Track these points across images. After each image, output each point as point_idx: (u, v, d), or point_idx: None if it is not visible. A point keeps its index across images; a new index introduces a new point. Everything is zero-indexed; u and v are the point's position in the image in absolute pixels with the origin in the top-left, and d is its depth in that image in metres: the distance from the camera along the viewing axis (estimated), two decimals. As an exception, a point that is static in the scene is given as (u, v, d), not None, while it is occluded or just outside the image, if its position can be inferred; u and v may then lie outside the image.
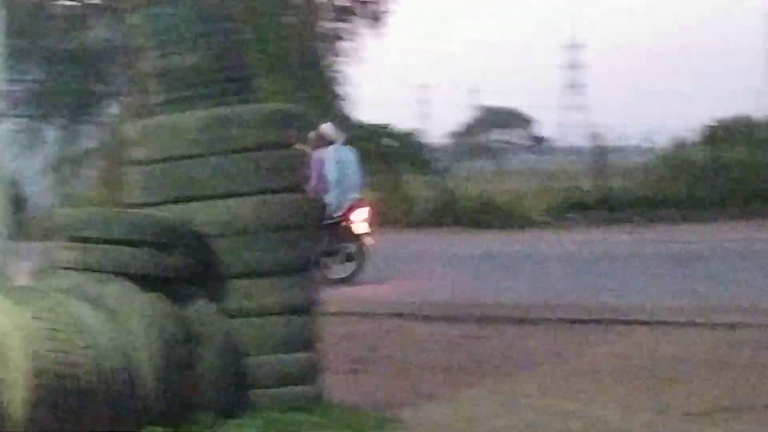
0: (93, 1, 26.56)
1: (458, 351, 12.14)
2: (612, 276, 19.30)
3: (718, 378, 10.09)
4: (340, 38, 30.08)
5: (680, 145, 35.48)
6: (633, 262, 21.62)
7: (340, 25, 29.14)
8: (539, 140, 64.66)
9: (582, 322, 13.85)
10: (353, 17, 29.09)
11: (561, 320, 14.05)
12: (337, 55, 29.28)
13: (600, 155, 34.22)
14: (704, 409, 8.85)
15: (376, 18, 29.76)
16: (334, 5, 28.98)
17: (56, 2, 26.27)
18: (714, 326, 13.00)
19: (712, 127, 35.95)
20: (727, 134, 34.52)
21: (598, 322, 13.74)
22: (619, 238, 26.34)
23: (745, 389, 9.56)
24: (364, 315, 13.97)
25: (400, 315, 14.61)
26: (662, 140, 37.46)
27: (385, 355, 11.69)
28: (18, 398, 6.92)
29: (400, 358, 11.62)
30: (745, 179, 31.17)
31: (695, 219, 29.34)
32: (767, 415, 8.56)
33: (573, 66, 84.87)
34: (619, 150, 36.36)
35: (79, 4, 27.05)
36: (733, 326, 12.90)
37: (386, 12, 30.16)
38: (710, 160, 32.62)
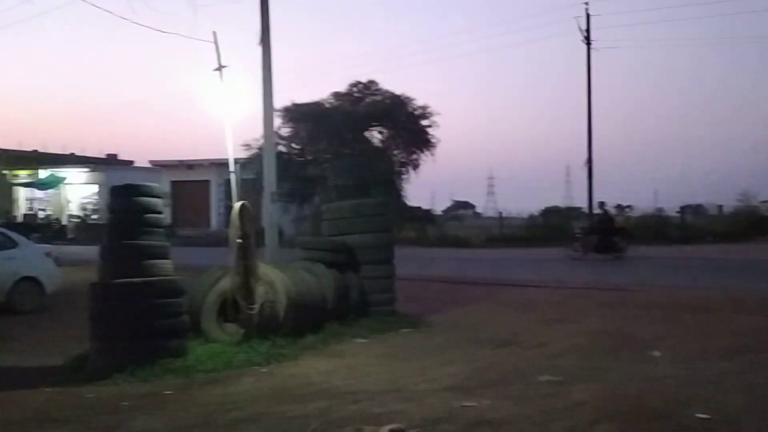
0: (309, 158, 28.10)
1: (445, 295, 12.46)
2: (508, 267, 18.48)
3: (556, 308, 10.63)
4: (407, 164, 30.04)
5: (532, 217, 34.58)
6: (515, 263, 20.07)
7: (409, 156, 29.86)
8: (477, 213, 67.56)
9: (500, 284, 13.97)
10: (418, 151, 29.63)
11: (490, 283, 14.17)
12: (402, 173, 29.86)
13: (502, 220, 33.44)
14: (549, 319, 9.58)
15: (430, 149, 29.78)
16: (406, 149, 29.73)
17: (296, 161, 27.92)
18: (549, 287, 13.23)
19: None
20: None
21: (506, 285, 13.92)
22: (507, 251, 24.77)
23: (566, 313, 10.07)
24: (410, 279, 12.85)
25: (425, 279, 14.47)
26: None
27: (419, 295, 11.78)
28: (281, 306, 7.81)
29: (426, 297, 11.93)
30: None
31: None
32: (579, 321, 9.19)
33: (490, 185, 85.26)
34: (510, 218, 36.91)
35: (301, 159, 28.47)
36: (559, 288, 13.23)
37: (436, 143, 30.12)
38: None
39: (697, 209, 38.07)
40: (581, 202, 32.98)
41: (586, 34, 31.49)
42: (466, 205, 72.78)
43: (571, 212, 36.07)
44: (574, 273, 16.63)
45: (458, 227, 37.93)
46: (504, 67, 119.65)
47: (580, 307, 10.84)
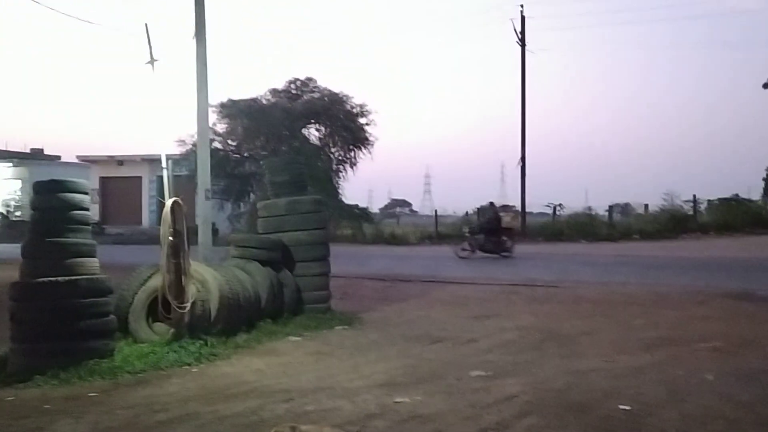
0: (245, 155, 27.94)
1: (381, 292, 12.49)
2: (442, 264, 18.58)
3: (487, 304, 10.81)
4: (345, 162, 30.03)
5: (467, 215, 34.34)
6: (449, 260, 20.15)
7: (347, 154, 29.99)
8: (413, 211, 68.76)
9: (434, 281, 14.13)
10: (355, 149, 29.96)
11: (424, 280, 14.25)
12: (339, 171, 30.08)
13: (437, 218, 34.05)
14: (480, 315, 9.69)
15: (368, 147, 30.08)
16: (344, 147, 29.87)
17: (231, 158, 27.92)
18: (481, 284, 13.41)
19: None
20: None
21: (439, 282, 14.07)
22: (441, 249, 24.66)
23: (497, 309, 10.31)
24: (345, 277, 13.36)
25: (360, 277, 14.56)
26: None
27: (354, 293, 12.05)
28: (213, 305, 7.70)
29: (361, 294, 12.05)
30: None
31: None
32: (509, 316, 9.38)
33: (426, 184, 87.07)
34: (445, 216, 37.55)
35: (237, 156, 28.33)
36: (490, 284, 13.34)
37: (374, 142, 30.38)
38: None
39: (624, 208, 39.34)
40: (516, 200, 33.68)
41: (521, 36, 32.15)
42: (403, 203, 73.46)
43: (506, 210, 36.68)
44: (506, 270, 16.91)
45: (394, 225, 38.16)
46: (443, 66, 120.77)
47: (511, 303, 11.07)
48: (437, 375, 6.13)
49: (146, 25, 8.15)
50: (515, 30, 32.24)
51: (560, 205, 33.92)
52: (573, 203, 37.17)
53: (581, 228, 29.85)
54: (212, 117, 27.76)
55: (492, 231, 21.30)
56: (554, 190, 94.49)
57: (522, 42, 32.00)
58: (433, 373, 6.19)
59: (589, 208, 34.65)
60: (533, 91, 71.48)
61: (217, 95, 29.66)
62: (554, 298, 11.44)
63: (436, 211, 37.17)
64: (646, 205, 35.03)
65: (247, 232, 20.61)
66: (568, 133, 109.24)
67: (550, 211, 34.02)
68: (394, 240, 29.96)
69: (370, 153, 30.41)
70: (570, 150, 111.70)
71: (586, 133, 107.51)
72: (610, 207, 33.85)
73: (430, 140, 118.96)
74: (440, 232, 31.85)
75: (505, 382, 5.76)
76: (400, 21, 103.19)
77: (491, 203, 24.86)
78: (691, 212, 31.49)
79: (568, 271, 16.21)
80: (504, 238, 21.23)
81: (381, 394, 5.43)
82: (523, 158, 31.53)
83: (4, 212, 38.11)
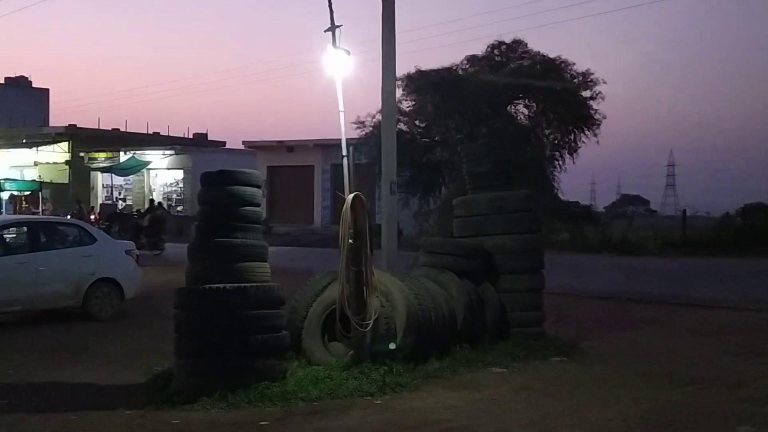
0: (436, 138, 28.14)
1: (607, 316, 12.28)
2: (692, 281, 16.96)
3: (757, 337, 10.18)
4: (562, 147, 28.76)
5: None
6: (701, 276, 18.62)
7: (565, 137, 28.56)
8: (651, 211, 66.05)
9: (681, 304, 13.50)
10: (576, 131, 28.32)
11: (667, 302, 13.67)
12: (554, 159, 28.63)
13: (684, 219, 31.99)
14: (746, 352, 9.12)
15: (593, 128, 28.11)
16: (560, 128, 28.53)
17: (419, 142, 28.71)
18: (747, 310, 12.69)
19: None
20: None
21: (687, 304, 13.44)
22: (698, 262, 22.63)
23: (762, 343, 10.09)
24: (562, 294, 13.16)
25: (580, 294, 14.42)
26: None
27: (573, 315, 11.90)
28: (399, 323, 7.90)
29: (582, 317, 11.90)
30: None
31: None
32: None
33: (669, 175, 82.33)
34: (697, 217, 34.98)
35: (426, 140, 28.79)
36: (759, 311, 12.51)
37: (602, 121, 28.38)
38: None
39: None
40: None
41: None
42: (638, 200, 71.09)
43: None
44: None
45: (627, 228, 36.88)
46: (695, 20, 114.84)
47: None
48: (689, 426, 5.90)
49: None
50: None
51: None
52: None
53: None
54: (397, 92, 28.51)
55: (138, 228, 25.94)
56: None
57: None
58: (683, 425, 5.96)
59: None
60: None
61: (403, 65, 30.33)
62: None
63: (684, 210, 35.23)
64: None
65: (438, 234, 20.96)
66: None
67: None
68: (626, 247, 28.86)
69: (595, 136, 29.26)
70: None
71: None
72: None
73: (676, 119, 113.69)
74: (689, 237, 30.17)
75: (786, 444, 5.41)
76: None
77: (152, 200, 30.40)
78: None
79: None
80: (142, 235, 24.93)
81: (613, 447, 5.32)
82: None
83: (166, 206, 41.53)
